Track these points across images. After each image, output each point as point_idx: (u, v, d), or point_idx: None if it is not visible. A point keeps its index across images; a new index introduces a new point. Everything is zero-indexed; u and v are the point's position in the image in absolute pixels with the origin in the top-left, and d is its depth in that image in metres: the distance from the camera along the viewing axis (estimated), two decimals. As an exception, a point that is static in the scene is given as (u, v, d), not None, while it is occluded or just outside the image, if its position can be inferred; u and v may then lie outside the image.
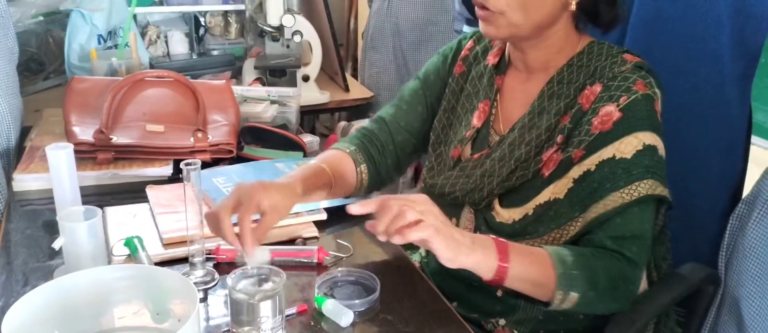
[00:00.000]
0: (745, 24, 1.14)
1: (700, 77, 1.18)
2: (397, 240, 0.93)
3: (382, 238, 0.94)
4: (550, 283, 0.98)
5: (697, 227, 1.25)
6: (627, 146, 1.00)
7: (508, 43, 1.17)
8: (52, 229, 1.15)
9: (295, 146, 1.57)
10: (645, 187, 0.99)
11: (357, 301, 0.98)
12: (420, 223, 0.92)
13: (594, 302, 0.99)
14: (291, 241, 1.17)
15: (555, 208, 1.05)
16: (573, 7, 1.05)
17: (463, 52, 1.24)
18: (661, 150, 1.02)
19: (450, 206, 1.16)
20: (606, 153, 1.01)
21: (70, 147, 1.07)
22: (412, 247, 1.25)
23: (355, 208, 0.97)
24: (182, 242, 1.09)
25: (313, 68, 2.17)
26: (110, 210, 1.23)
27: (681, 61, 1.19)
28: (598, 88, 1.04)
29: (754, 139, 1.36)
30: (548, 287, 0.98)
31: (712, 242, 1.26)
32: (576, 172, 1.03)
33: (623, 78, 1.03)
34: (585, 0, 1.05)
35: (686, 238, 1.23)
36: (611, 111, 1.02)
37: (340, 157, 1.23)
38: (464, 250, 0.94)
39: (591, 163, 1.02)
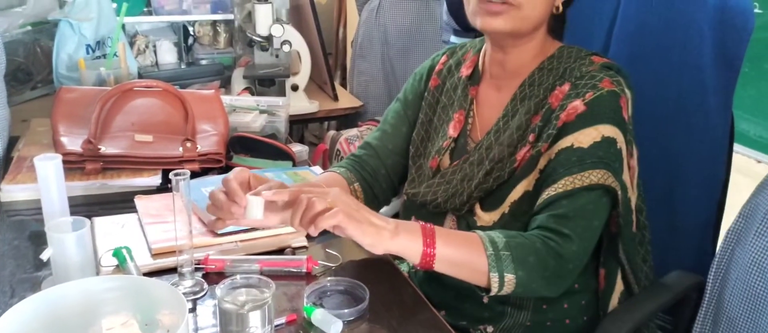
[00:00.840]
0: (725, 35, 1.16)
1: (683, 87, 1.20)
2: (312, 230, 0.94)
3: (299, 233, 0.94)
4: (482, 266, 0.98)
5: (682, 235, 1.27)
6: (586, 137, 1.03)
7: (481, 55, 1.19)
8: (39, 239, 1.15)
9: (284, 156, 1.58)
10: (597, 176, 1.01)
11: (346, 311, 0.99)
12: (330, 210, 0.93)
13: (527, 283, 0.99)
14: (280, 251, 1.17)
15: (527, 201, 1.07)
16: (560, 9, 1.08)
17: (437, 67, 1.27)
18: (621, 144, 1.04)
19: (432, 215, 1.18)
20: (565, 142, 1.04)
21: (59, 158, 1.07)
22: (400, 256, 1.26)
23: (268, 194, 0.98)
24: (171, 252, 1.09)
25: (302, 78, 2.18)
26: (98, 220, 1.23)
27: (664, 72, 1.21)
28: (566, 87, 1.08)
29: (738, 147, 1.39)
30: (481, 270, 0.99)
31: (696, 250, 1.28)
32: (542, 162, 1.06)
33: (590, 76, 1.06)
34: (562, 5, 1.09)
35: (671, 246, 1.24)
36: (577, 105, 1.04)
37: (333, 176, 1.25)
38: (386, 235, 0.96)
39: (552, 151, 1.05)
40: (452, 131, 1.19)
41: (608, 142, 1.03)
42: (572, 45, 1.14)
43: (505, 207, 1.10)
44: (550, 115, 1.07)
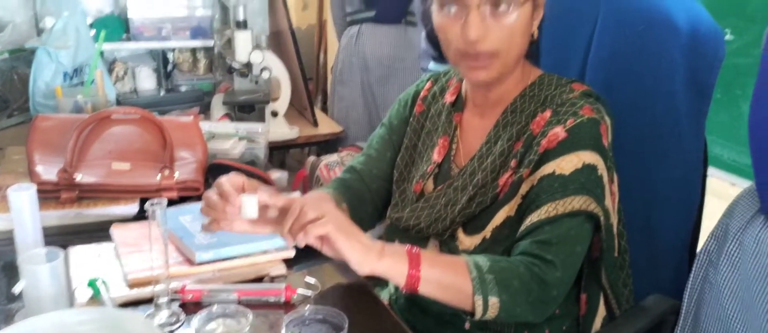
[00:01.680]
0: (697, 62, 1.18)
1: (656, 113, 1.22)
2: (300, 239, 0.95)
3: (288, 242, 0.96)
4: (467, 289, 0.99)
5: (660, 259, 1.28)
6: (567, 163, 1.04)
7: (464, 83, 1.21)
8: (12, 271, 1.13)
9: (263, 183, 1.57)
10: (579, 202, 1.02)
11: (325, 340, 0.98)
12: (321, 220, 0.94)
13: (511, 307, 1.00)
14: (259, 280, 1.16)
15: (508, 226, 1.08)
16: (535, 37, 1.10)
17: (421, 93, 1.28)
18: (601, 170, 1.05)
19: (415, 239, 1.18)
20: (547, 169, 1.05)
21: (33, 188, 1.06)
22: (380, 283, 1.26)
23: (264, 196, 0.99)
24: (148, 282, 1.08)
25: (281, 104, 2.18)
26: (74, 250, 1.21)
27: (638, 98, 1.23)
28: (548, 114, 1.09)
29: (713, 171, 1.41)
30: (466, 293, 0.99)
31: (673, 273, 1.29)
32: (524, 188, 1.07)
33: (571, 103, 1.08)
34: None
35: (649, 270, 1.25)
36: (558, 132, 1.06)
37: (322, 194, 1.25)
38: (373, 256, 0.96)
39: (534, 178, 1.06)
40: (436, 156, 1.20)
41: (589, 168, 1.04)
42: (552, 73, 1.15)
43: (486, 232, 1.10)
44: (531, 142, 1.08)
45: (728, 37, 1.77)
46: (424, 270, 0.98)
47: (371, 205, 1.30)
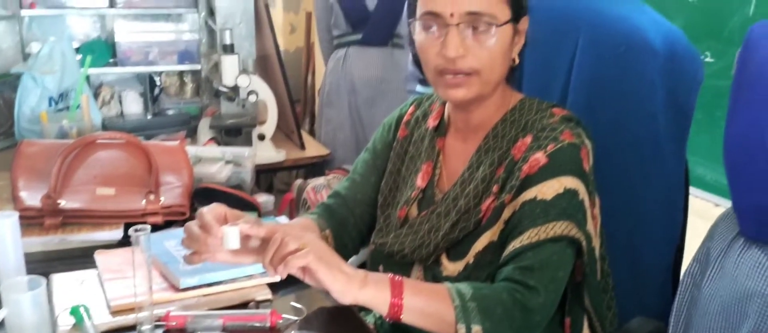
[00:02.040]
0: (676, 84, 1.19)
1: (638, 135, 1.23)
2: (281, 270, 0.94)
3: (270, 273, 0.96)
4: (449, 317, 0.99)
5: (643, 281, 1.28)
6: (549, 189, 1.04)
7: (446, 106, 1.22)
8: (-6, 299, 1.12)
9: (249, 206, 1.57)
10: (561, 228, 1.03)
11: (309, 366, 0.97)
12: (302, 251, 0.94)
13: None
14: (244, 305, 1.16)
15: (491, 251, 1.09)
16: (516, 62, 1.11)
17: (405, 118, 1.29)
18: (582, 195, 1.06)
19: (399, 265, 1.18)
20: (529, 194, 1.05)
21: (15, 216, 1.05)
22: (366, 308, 1.26)
23: (245, 227, 0.99)
24: (131, 309, 1.07)
25: (268, 127, 2.18)
26: (56, 277, 1.21)
27: (620, 120, 1.24)
28: (529, 139, 1.10)
29: (697, 192, 1.42)
30: (449, 321, 0.99)
31: (658, 295, 1.29)
32: (506, 213, 1.08)
33: (551, 129, 1.09)
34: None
35: (633, 292, 1.25)
36: (539, 157, 1.06)
37: (306, 221, 1.25)
38: (355, 285, 0.96)
39: (516, 203, 1.07)
40: (420, 182, 1.21)
41: (570, 193, 1.05)
42: (533, 97, 1.16)
43: (469, 257, 1.11)
44: (513, 167, 1.09)
45: (708, 59, 1.80)
46: (406, 298, 0.98)
47: (356, 230, 1.30)
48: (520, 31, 1.11)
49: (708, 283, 1.08)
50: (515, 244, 1.04)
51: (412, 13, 1.12)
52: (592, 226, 1.08)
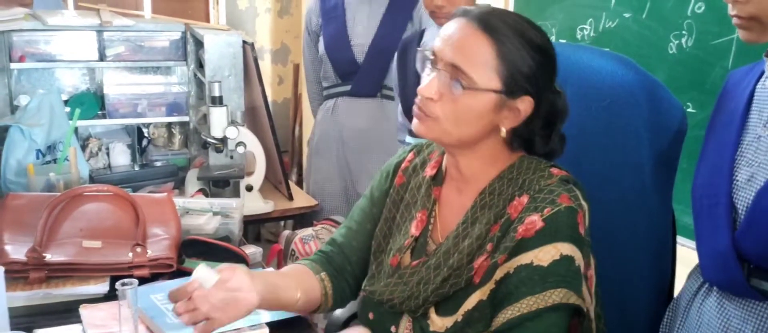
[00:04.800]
0: (661, 136, 1.21)
1: (625, 187, 1.24)
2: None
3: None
4: None
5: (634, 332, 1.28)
6: (545, 254, 1.05)
7: (445, 155, 1.22)
8: (-25, 356, 1.09)
9: (237, 258, 1.56)
10: (558, 295, 1.03)
11: None
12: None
13: None
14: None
15: (480, 310, 1.08)
16: (503, 134, 1.12)
17: (403, 165, 1.29)
18: (578, 261, 1.06)
19: (389, 314, 1.17)
20: (525, 258, 1.05)
21: (0, 271, 1.04)
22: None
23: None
24: (116, 366, 1.05)
25: (256, 178, 2.18)
26: (41, 332, 1.18)
27: (606, 172, 1.26)
28: (525, 199, 1.09)
29: (684, 241, 1.43)
30: None
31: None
32: (498, 274, 1.08)
33: (549, 191, 1.08)
34: (519, 129, 1.12)
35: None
36: (535, 220, 1.06)
37: (300, 268, 1.25)
38: None
39: (510, 265, 1.06)
40: (414, 230, 1.20)
41: (567, 260, 1.05)
42: (532, 156, 1.15)
43: (458, 315, 1.10)
44: (508, 227, 1.09)
45: (690, 110, 1.84)
46: None
47: (352, 277, 1.30)
48: (513, 108, 1.10)
49: (679, 332, 1.09)
50: (514, 312, 1.04)
51: None
52: (588, 289, 1.08)
